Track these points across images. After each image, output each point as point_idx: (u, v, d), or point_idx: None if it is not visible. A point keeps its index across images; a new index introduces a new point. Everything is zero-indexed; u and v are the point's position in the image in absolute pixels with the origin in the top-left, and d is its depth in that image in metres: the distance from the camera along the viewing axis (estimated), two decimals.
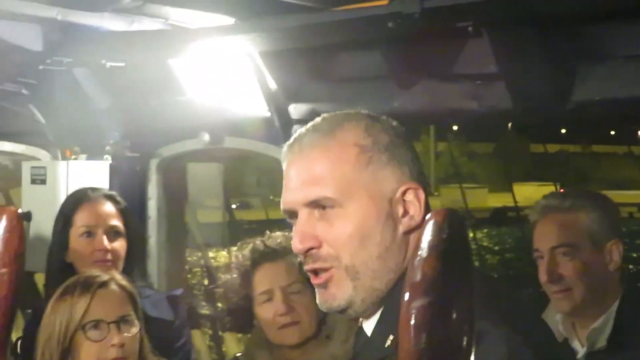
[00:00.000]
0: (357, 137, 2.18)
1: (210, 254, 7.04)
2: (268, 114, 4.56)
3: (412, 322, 1.05)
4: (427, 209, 2.15)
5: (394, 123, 2.27)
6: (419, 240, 1.10)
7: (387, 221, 2.15)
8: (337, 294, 2.18)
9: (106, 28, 4.29)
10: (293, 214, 2.20)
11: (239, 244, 3.90)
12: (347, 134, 2.18)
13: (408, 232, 2.14)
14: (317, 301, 2.23)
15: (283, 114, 4.51)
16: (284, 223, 2.95)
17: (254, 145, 5.12)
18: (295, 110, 4.48)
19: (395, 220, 2.15)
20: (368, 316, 2.19)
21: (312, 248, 2.16)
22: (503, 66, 3.61)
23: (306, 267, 2.20)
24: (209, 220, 9.01)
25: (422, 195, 2.15)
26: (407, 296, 1.09)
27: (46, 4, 4.06)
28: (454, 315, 1.04)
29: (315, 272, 2.18)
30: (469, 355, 1.05)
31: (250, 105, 4.67)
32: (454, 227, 1.05)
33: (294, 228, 2.21)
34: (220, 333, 7.05)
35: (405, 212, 2.15)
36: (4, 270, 1.38)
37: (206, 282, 8.73)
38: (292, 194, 2.19)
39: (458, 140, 61.13)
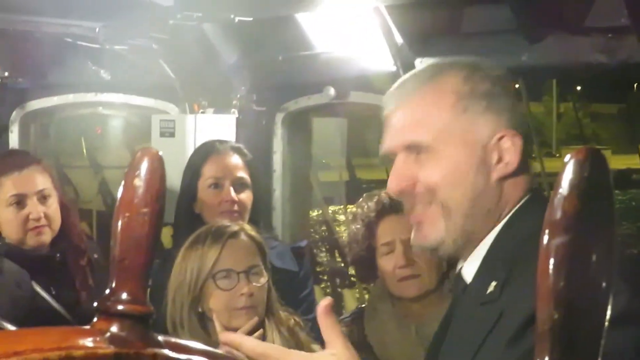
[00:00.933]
0: (455, 84, 2.24)
1: (330, 210, 7.13)
2: (394, 69, 4.55)
3: (552, 260, 1.02)
4: (525, 157, 2.22)
5: (497, 72, 2.31)
6: (558, 179, 1.04)
7: (480, 167, 2.20)
8: (429, 234, 2.25)
9: None
10: (392, 157, 2.29)
11: (364, 195, 3.93)
12: (446, 82, 2.24)
13: (502, 179, 2.20)
14: (411, 240, 2.31)
15: (409, 69, 4.30)
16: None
17: (379, 99, 5.12)
18: (422, 64, 4.35)
19: (489, 166, 2.20)
20: (465, 258, 2.26)
21: (406, 189, 2.24)
22: (635, 19, 3.53)
23: (405, 209, 2.29)
24: (330, 179, 9.10)
25: (519, 142, 2.20)
26: (546, 235, 1.04)
27: None
28: (594, 256, 1.02)
29: (411, 212, 2.26)
30: (607, 298, 1.03)
31: (376, 60, 4.68)
32: (596, 166, 1.02)
33: (391, 170, 2.30)
34: (339, 289, 7.12)
35: (500, 159, 2.20)
36: (145, 210, 1.34)
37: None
38: (391, 138, 2.28)
39: (581, 102, 60.09)
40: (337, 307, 5.54)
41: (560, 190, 1.02)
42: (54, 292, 4.31)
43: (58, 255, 4.40)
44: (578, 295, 1.01)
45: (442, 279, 3.68)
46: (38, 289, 4.16)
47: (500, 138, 2.20)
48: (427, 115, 2.25)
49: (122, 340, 1.33)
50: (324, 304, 2.31)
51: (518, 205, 2.23)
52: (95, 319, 1.36)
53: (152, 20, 4.98)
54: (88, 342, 1.31)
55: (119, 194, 1.34)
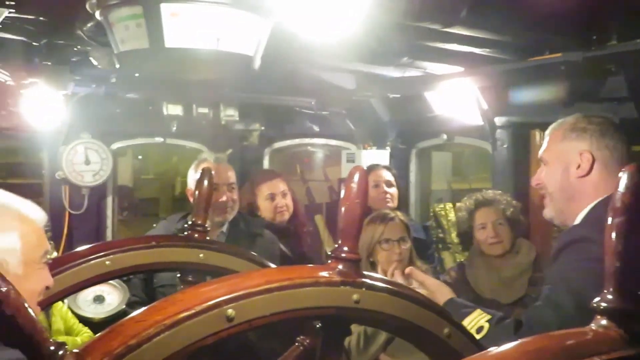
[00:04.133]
0: (565, 124, 2.29)
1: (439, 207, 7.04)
2: (481, 123, 4.54)
3: (614, 233, 1.03)
4: (599, 167, 2.18)
5: (601, 119, 2.28)
6: (618, 183, 1.05)
7: (565, 171, 2.24)
8: (546, 211, 2.34)
9: (390, 75, 4.41)
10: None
11: (466, 196, 3.88)
12: (564, 123, 2.30)
13: (580, 178, 2.20)
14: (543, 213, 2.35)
15: (491, 123, 4.49)
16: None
17: (472, 141, 5.10)
18: (498, 120, 4.45)
19: (570, 171, 2.23)
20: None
21: (538, 184, 2.35)
22: None
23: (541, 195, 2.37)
24: (440, 188, 9.10)
25: (590, 157, 2.18)
26: (610, 216, 1.05)
27: (357, 62, 4.19)
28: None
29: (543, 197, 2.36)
30: None
31: (470, 118, 4.65)
32: None
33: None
34: (441, 250, 7.05)
35: (579, 166, 2.20)
36: (357, 200, 1.37)
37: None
38: (539, 154, 2.39)
39: None
40: (440, 267, 5.57)
41: (619, 190, 1.04)
42: (289, 248, 4.36)
43: (292, 227, 4.54)
44: (629, 254, 1.03)
45: (513, 244, 3.64)
46: (282, 246, 4.19)
47: (581, 154, 2.20)
48: (548, 142, 2.32)
49: (345, 273, 1.36)
50: (407, 269, 2.50)
51: (596, 201, 2.16)
52: (329, 261, 1.39)
53: (342, 97, 5.15)
54: (325, 274, 1.35)
55: (343, 192, 1.41)
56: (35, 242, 1.59)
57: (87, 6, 1.98)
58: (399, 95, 4.87)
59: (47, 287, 1.64)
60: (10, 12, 2.51)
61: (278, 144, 5.99)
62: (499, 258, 3.66)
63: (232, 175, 3.79)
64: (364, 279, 1.38)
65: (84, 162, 5.06)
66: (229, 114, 5.06)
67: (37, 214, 1.64)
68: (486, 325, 2.12)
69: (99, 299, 4.61)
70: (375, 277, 1.44)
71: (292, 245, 4.49)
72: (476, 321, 2.15)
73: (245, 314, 1.23)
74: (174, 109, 4.75)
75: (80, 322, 4.42)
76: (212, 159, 3.80)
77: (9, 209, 1.58)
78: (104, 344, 1.15)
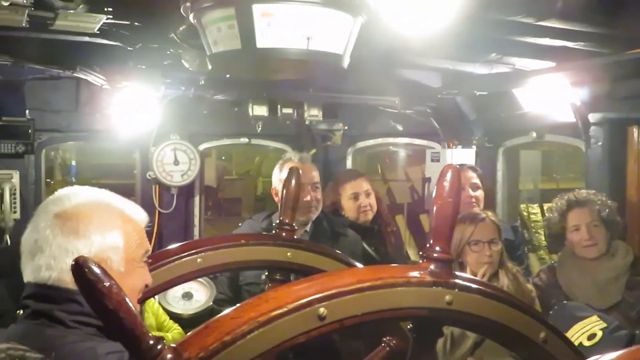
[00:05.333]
0: None
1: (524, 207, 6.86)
2: (574, 120, 4.42)
3: None
4: None
5: None
6: None
7: None
8: None
9: (476, 72, 4.36)
10: None
11: (558, 196, 3.76)
12: None
13: None
14: None
15: (584, 120, 4.36)
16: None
17: (564, 139, 4.95)
18: (593, 117, 4.32)
19: None
20: None
21: None
22: None
23: None
24: (528, 188, 8.85)
25: None
26: None
27: (443, 59, 4.20)
28: None
29: None
30: None
31: (562, 114, 4.53)
32: None
33: None
34: (527, 252, 6.73)
35: None
36: (449, 199, 1.36)
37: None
38: None
39: None
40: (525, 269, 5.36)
41: None
42: (373, 248, 4.36)
43: (375, 226, 4.53)
44: None
45: (608, 246, 3.54)
46: (365, 245, 4.19)
47: None
48: None
49: (437, 274, 1.35)
50: None
51: None
52: (420, 261, 1.38)
53: (427, 95, 5.11)
54: (417, 274, 1.35)
55: (435, 191, 1.40)
56: (137, 241, 1.66)
57: (181, 10, 2.04)
58: (485, 93, 4.78)
59: (147, 285, 1.71)
60: (107, 19, 2.64)
61: (361, 144, 5.99)
62: (593, 261, 3.57)
63: (316, 175, 3.83)
64: (456, 280, 1.36)
65: (173, 163, 5.23)
66: (313, 113, 5.12)
67: (139, 214, 1.71)
68: (599, 333, 2.04)
69: (187, 296, 4.76)
70: (468, 278, 1.41)
71: (375, 244, 4.47)
72: (590, 327, 2.08)
73: (336, 313, 1.23)
74: (260, 110, 4.85)
75: (169, 318, 4.57)
76: (296, 159, 3.84)
77: (114, 208, 1.65)
78: (200, 339, 1.18)
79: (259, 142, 5.76)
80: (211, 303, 4.49)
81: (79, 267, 1.10)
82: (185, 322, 4.64)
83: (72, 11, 2.43)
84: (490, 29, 2.80)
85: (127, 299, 1.11)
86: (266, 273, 2.28)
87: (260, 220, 3.86)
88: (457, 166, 1.45)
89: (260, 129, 5.08)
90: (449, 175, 1.39)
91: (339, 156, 5.87)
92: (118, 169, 9.35)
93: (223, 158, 11.93)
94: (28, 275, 1.60)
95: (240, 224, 4.30)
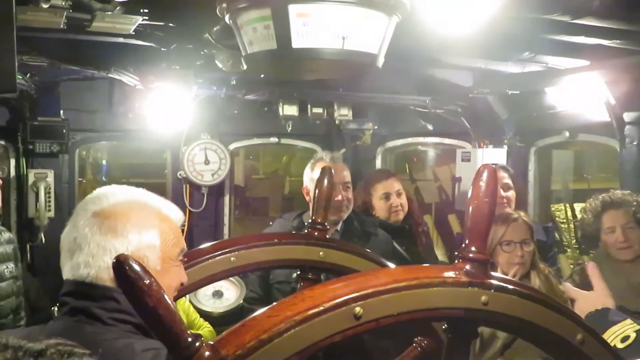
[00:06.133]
0: None
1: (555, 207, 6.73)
2: (608, 119, 4.39)
3: None
4: None
5: None
6: None
7: None
8: None
9: (508, 71, 4.34)
10: None
11: (592, 196, 3.69)
12: None
13: None
14: None
15: (619, 119, 4.32)
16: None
17: (597, 138, 4.91)
18: (628, 116, 4.27)
19: None
20: None
21: None
22: None
23: None
24: (559, 187, 8.73)
25: None
26: None
27: (475, 58, 4.19)
28: None
29: None
30: None
31: (596, 113, 4.51)
32: None
33: None
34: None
35: None
36: (486, 199, 1.35)
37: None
38: None
39: None
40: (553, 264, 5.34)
41: None
42: (404, 248, 4.33)
43: (407, 226, 4.51)
44: None
45: None
46: (396, 245, 4.19)
47: None
48: None
49: (473, 274, 1.33)
50: (592, 264, 2.33)
51: None
52: (456, 261, 1.35)
53: (458, 94, 5.11)
54: (452, 274, 1.32)
55: (470, 191, 1.38)
56: (174, 240, 1.67)
57: (217, 11, 2.06)
58: (517, 92, 4.75)
59: (182, 284, 1.72)
60: (143, 20, 2.68)
61: (390, 143, 6.00)
62: (628, 263, 3.51)
63: (347, 175, 3.84)
64: (492, 280, 1.34)
65: (204, 162, 5.28)
66: (343, 113, 5.13)
67: (175, 214, 1.72)
68: (633, 335, 2.02)
69: (217, 294, 4.80)
70: (504, 279, 1.39)
71: (407, 244, 4.46)
72: (623, 330, 2.05)
73: (372, 312, 1.23)
74: (290, 109, 4.88)
75: (200, 316, 4.61)
76: (327, 158, 3.85)
77: (151, 207, 1.67)
78: (237, 337, 1.18)
79: (289, 141, 5.79)
80: (241, 301, 4.52)
81: (120, 265, 1.11)
82: (215, 320, 4.68)
83: (109, 13, 2.47)
84: (525, 27, 2.78)
85: (166, 297, 1.12)
86: (297, 272, 2.28)
87: (291, 219, 3.88)
88: (493, 166, 1.43)
89: (290, 128, 5.10)
90: (485, 175, 1.37)
91: (368, 156, 5.89)
92: (147, 168, 9.46)
93: (251, 157, 11.99)
94: (67, 273, 1.61)
95: (271, 223, 4.32)
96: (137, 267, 1.11)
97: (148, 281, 1.12)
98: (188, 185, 5.38)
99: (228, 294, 4.83)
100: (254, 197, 12.38)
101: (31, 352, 0.75)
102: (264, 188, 12.72)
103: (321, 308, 1.19)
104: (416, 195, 8.08)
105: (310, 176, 3.78)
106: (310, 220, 2.25)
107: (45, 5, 2.20)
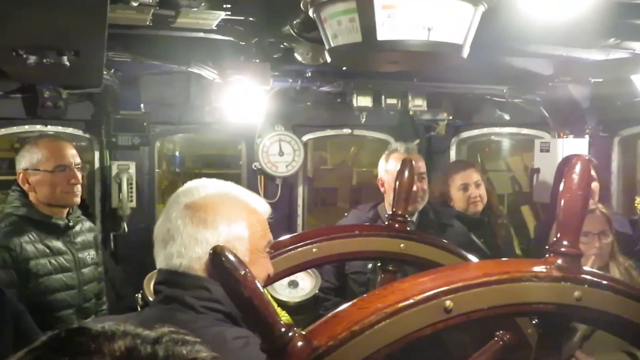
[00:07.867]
0: None
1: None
2: None
3: None
4: None
5: None
6: None
7: None
8: None
9: (591, 58, 4.11)
10: None
11: None
12: None
13: None
14: None
15: None
16: None
17: None
18: None
19: None
20: None
21: None
22: None
23: None
24: None
25: None
26: None
27: (557, 46, 4.02)
28: None
29: None
30: None
31: None
32: None
33: None
34: None
35: None
36: (579, 192, 1.32)
37: None
38: None
39: None
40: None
41: None
42: (482, 240, 4.29)
43: (485, 218, 4.43)
44: None
45: None
46: (474, 237, 4.14)
47: None
48: None
49: (565, 269, 1.30)
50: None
51: None
52: (546, 255, 1.34)
53: (537, 83, 4.97)
54: (543, 268, 1.31)
55: (563, 183, 1.34)
56: (261, 232, 1.71)
57: (301, 5, 2.08)
58: (600, 80, 4.62)
59: (269, 275, 1.76)
60: (226, 15, 2.74)
61: (465, 134, 5.92)
62: None
63: (422, 165, 3.84)
64: (586, 276, 1.32)
65: (278, 154, 5.34)
66: (417, 104, 5.09)
67: (263, 206, 1.77)
68: None
69: (293, 284, 4.86)
70: (597, 274, 1.37)
71: (485, 237, 4.40)
72: None
73: (463, 306, 1.23)
74: (364, 101, 4.88)
75: (276, 305, 4.70)
76: (402, 149, 3.84)
77: (239, 200, 1.71)
78: (329, 328, 1.21)
79: (362, 132, 5.78)
80: (317, 291, 4.57)
81: (217, 255, 1.16)
82: (290, 309, 4.74)
83: (195, 9, 2.53)
84: (612, 13, 2.67)
85: (260, 287, 1.17)
86: (378, 263, 2.30)
87: (366, 210, 3.90)
88: (587, 158, 1.39)
89: (364, 119, 5.10)
90: (578, 167, 1.34)
91: (442, 146, 5.82)
92: (220, 159, 9.61)
93: (319, 148, 12.02)
94: (160, 262, 1.68)
95: (346, 214, 4.35)
96: (233, 258, 1.16)
97: (243, 272, 1.16)
98: (262, 177, 5.45)
99: (303, 283, 4.88)
100: (322, 188, 12.43)
101: (148, 340, 0.78)
102: (332, 179, 12.74)
103: (411, 301, 1.22)
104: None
105: (385, 167, 3.80)
106: (389, 212, 2.26)
107: (134, 4, 2.28)
